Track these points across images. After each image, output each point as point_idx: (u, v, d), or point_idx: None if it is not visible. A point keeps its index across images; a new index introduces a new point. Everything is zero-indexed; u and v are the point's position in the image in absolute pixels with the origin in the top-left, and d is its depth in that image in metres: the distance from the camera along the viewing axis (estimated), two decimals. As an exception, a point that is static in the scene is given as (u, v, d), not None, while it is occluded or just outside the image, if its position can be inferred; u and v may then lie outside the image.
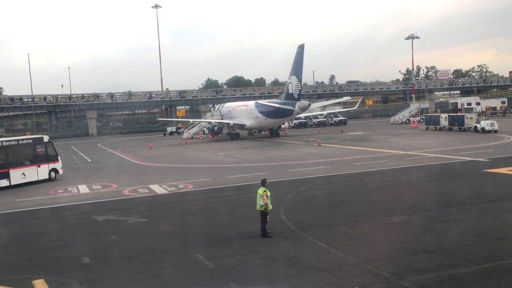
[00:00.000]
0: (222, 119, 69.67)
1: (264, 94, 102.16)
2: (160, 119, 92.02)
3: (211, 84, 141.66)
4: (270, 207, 16.90)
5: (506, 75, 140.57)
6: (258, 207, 16.81)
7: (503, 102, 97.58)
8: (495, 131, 52.51)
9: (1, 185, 29.75)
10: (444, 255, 14.13)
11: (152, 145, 57.95)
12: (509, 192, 22.72)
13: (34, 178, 31.66)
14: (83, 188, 29.34)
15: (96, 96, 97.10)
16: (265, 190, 16.79)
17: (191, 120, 77.67)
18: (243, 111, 67.05)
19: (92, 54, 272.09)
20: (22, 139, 32.96)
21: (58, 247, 17.24)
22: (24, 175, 31.03)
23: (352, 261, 14.05)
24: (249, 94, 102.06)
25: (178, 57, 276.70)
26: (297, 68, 58.00)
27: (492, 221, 17.86)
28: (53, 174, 33.01)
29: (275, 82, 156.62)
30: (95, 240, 17.90)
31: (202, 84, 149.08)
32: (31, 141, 32.69)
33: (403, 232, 16.98)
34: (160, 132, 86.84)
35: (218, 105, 78.62)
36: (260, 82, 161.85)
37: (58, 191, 28.87)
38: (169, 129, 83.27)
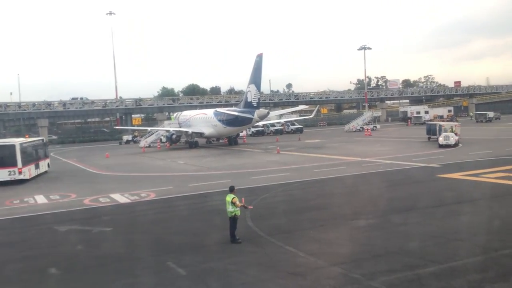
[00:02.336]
0: (180, 127, 69.29)
1: (221, 102, 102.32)
2: (116, 127, 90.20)
3: (167, 92, 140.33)
4: (239, 213, 17.12)
5: (451, 85, 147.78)
6: (228, 214, 16.97)
7: (449, 111, 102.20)
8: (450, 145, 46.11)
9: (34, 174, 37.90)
10: (408, 256, 14.79)
11: (108, 154, 56.78)
12: (462, 196, 23.93)
13: (44, 170, 41.47)
14: (40, 199, 28.43)
15: (48, 104, 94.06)
16: (234, 197, 17.00)
17: (148, 129, 76.69)
18: (201, 119, 66.96)
19: (42, 60, 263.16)
20: (39, 140, 43.93)
21: (21, 258, 16.67)
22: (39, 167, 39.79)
23: (322, 264, 14.45)
24: (206, 102, 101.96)
25: (133, 65, 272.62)
26: (256, 76, 58.63)
27: (449, 223, 18.79)
28: (49, 166, 43.39)
29: (231, 91, 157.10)
30: (60, 251, 17.47)
31: (158, 92, 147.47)
32: (42, 141, 43.59)
33: (367, 235, 17.59)
34: (114, 141, 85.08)
35: (176, 113, 78.13)
36: (216, 90, 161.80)
37: (14, 202, 27.86)
38: (125, 137, 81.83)
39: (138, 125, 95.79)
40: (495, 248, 15.04)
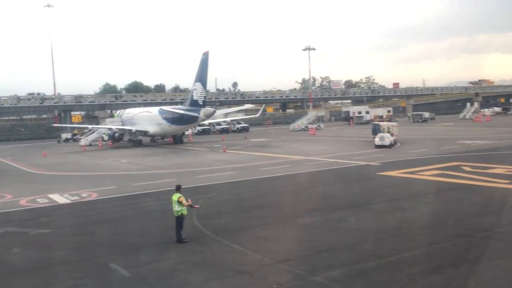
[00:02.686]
0: (124, 125, 67.57)
1: (166, 100, 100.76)
2: (54, 125, 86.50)
3: (109, 89, 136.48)
4: (185, 212, 16.95)
5: (390, 86, 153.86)
6: (174, 214, 16.76)
7: (388, 111, 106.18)
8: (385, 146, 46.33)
9: None
10: (351, 252, 15.26)
11: (46, 152, 54.41)
12: (401, 193, 24.94)
13: None
14: (-28, 200, 26.80)
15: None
16: (180, 196, 16.82)
17: (89, 126, 74.17)
18: (146, 118, 65.64)
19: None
20: None
21: (-50, 264, 15.65)
22: None
23: (268, 261, 14.59)
24: (151, 100, 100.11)
25: (73, 61, 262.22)
26: (202, 74, 58.27)
27: (389, 218, 19.56)
28: None
29: (176, 89, 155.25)
30: (-6, 254, 16.55)
31: (99, 88, 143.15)
32: None
33: (312, 232, 17.95)
34: (52, 139, 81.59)
35: (119, 111, 76.12)
36: (160, 88, 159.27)
37: None
38: (64, 135, 78.63)
39: (78, 123, 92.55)
40: (431, 242, 15.81)
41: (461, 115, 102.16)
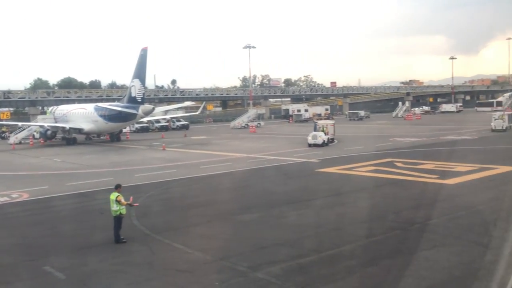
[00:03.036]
0: (57, 122, 64.69)
1: (102, 97, 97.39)
2: None
3: (40, 85, 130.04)
4: (124, 212, 16.53)
5: (328, 85, 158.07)
6: (113, 213, 16.29)
7: (326, 109, 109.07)
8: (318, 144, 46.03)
9: None
10: (291, 247, 15.54)
11: (-29, 151, 51.08)
12: (338, 188, 25.71)
13: None
14: None
15: None
16: (118, 195, 16.37)
17: (19, 124, 70.26)
18: (80, 115, 63.20)
19: None
20: None
21: None
22: None
23: (209, 259, 14.55)
24: (86, 97, 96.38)
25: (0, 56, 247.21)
26: (140, 71, 56.94)
27: (328, 214, 20.10)
28: None
29: (112, 85, 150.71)
30: None
31: (30, 84, 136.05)
32: None
33: (254, 229, 18.08)
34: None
35: (52, 107, 72.78)
36: (96, 84, 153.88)
37: None
38: (-10, 133, 74.08)
39: (6, 120, 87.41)
40: (367, 235, 16.42)
41: (394, 113, 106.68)
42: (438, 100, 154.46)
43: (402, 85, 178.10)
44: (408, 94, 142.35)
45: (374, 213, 19.59)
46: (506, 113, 61.67)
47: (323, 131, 48.77)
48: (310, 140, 47.14)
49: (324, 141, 46.98)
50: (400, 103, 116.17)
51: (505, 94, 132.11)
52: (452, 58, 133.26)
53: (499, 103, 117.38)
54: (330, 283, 12.35)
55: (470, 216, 18.72)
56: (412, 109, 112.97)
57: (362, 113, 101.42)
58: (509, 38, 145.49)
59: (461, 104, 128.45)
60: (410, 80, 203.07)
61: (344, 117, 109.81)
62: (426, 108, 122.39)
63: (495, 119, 57.10)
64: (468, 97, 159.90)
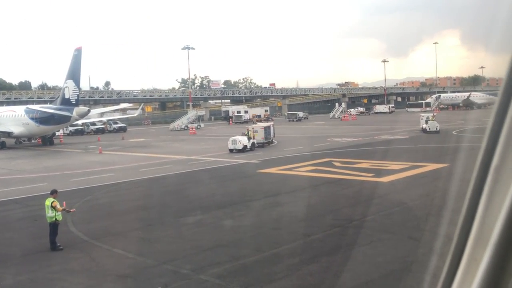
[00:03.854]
0: (-17, 126, 60.82)
1: (33, 98, 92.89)
2: None
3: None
4: (60, 218, 15.90)
5: (267, 86, 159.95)
6: (48, 220, 15.61)
7: (266, 111, 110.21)
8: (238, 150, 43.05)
9: None
10: (234, 248, 15.64)
11: None
12: (279, 188, 26.02)
13: None
14: None
15: None
16: (54, 201, 15.73)
17: None
18: (9, 117, 59.85)
19: None
20: None
21: None
22: None
23: (151, 263, 14.32)
24: (15, 99, 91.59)
25: None
26: (74, 71, 54.86)
27: (269, 214, 20.37)
28: None
29: (43, 86, 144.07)
30: None
31: None
32: None
33: (196, 231, 17.99)
34: None
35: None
36: (26, 85, 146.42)
37: None
38: None
39: None
40: (307, 233, 16.83)
41: (331, 114, 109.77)
42: (372, 101, 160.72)
43: (338, 86, 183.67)
44: (344, 95, 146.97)
45: (314, 211, 20.10)
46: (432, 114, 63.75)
47: (247, 135, 45.42)
48: (230, 145, 43.66)
49: (246, 146, 43.53)
50: (336, 104, 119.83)
51: (432, 96, 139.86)
52: (384, 61, 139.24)
53: (428, 104, 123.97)
54: (274, 281, 12.55)
55: (404, 212, 19.68)
56: (348, 110, 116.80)
57: (300, 114, 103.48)
58: (436, 43, 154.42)
59: (393, 105, 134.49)
60: (345, 82, 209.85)
61: (284, 118, 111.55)
62: (361, 109, 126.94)
63: (428, 121, 56.55)
64: (399, 99, 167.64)
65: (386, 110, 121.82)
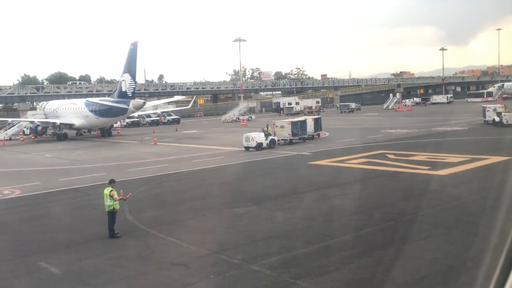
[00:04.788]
0: (47, 118, 64.26)
1: (92, 92, 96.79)
2: None
3: (29, 81, 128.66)
4: (117, 206, 16.54)
5: (318, 77, 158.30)
6: (106, 208, 16.30)
7: (317, 102, 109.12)
8: None
9: None
10: (285, 239, 15.66)
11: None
12: (330, 181, 25.85)
13: None
14: None
15: None
16: (111, 190, 16.38)
17: (9, 120, 69.65)
18: (71, 110, 62.82)
19: None
20: None
21: None
22: None
23: (204, 252, 14.64)
24: (76, 92, 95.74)
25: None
26: (131, 65, 56.67)
27: (320, 206, 20.26)
28: None
29: (101, 80, 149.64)
30: None
31: (18, 80, 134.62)
32: None
33: (247, 222, 18.18)
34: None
35: (42, 103, 72.27)
36: (86, 79, 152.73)
37: None
38: (-21, 129, 73.32)
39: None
40: (360, 226, 16.59)
41: (385, 105, 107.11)
42: (429, 91, 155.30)
43: (392, 76, 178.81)
44: (398, 85, 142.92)
45: (366, 204, 19.76)
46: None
47: (267, 131, 42.30)
48: (244, 142, 40.61)
49: (261, 144, 39.92)
50: (391, 94, 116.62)
51: (495, 85, 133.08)
52: (442, 49, 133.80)
53: (489, 94, 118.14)
54: (324, 274, 12.48)
55: (461, 206, 18.95)
56: (403, 101, 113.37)
57: (353, 105, 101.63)
58: (499, 29, 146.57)
59: (451, 95, 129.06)
60: (400, 72, 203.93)
61: (335, 109, 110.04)
62: (417, 99, 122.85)
63: (505, 113, 50.23)
64: (458, 88, 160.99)
65: (444, 100, 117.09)
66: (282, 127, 43.79)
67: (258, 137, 40.38)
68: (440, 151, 33.26)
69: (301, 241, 15.37)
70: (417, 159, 30.58)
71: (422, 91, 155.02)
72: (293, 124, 43.85)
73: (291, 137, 43.05)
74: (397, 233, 15.71)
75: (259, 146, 39.76)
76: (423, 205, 18.90)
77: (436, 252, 13.60)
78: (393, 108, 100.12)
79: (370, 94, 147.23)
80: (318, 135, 47.76)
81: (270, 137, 41.36)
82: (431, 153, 32.74)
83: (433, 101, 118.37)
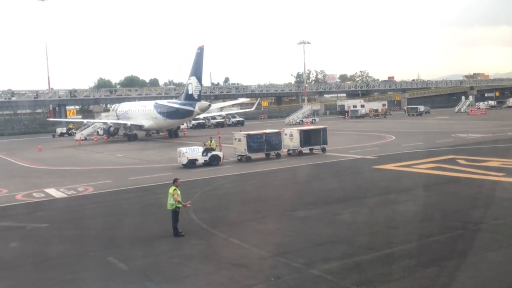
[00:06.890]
0: (119, 119, 67.45)
1: (161, 94, 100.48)
2: (50, 119, 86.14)
3: (103, 84, 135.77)
4: (180, 205, 16.96)
5: (385, 79, 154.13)
6: (169, 207, 16.81)
7: (383, 105, 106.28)
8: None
9: None
10: (347, 244, 15.35)
11: (41, 147, 54.15)
12: (396, 186, 25.02)
13: None
14: (-33, 195, 26.71)
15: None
16: (175, 189, 16.83)
17: (85, 121, 73.88)
18: (141, 112, 65.56)
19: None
20: None
21: None
22: None
23: (265, 254, 14.67)
24: (145, 94, 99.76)
25: (67, 56, 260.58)
26: (197, 69, 58.14)
27: (384, 211, 19.66)
28: None
29: (170, 83, 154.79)
30: (-9, 249, 16.54)
31: (94, 83, 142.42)
32: None
33: (308, 225, 18.02)
34: (47, 134, 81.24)
35: (114, 105, 75.99)
36: (155, 82, 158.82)
37: None
38: (59, 130, 78.40)
39: (73, 117, 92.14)
40: (426, 234, 15.91)
41: (456, 108, 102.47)
42: (506, 94, 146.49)
43: (465, 78, 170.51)
44: (471, 88, 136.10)
45: (434, 211, 18.97)
46: None
47: (209, 145, 35.37)
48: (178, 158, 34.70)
49: (195, 160, 33.63)
50: (463, 97, 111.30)
51: None
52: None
53: None
54: (388, 282, 12.08)
55: (540, 216, 17.67)
56: (476, 104, 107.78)
57: (421, 108, 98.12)
58: None
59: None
60: (474, 74, 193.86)
61: (403, 112, 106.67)
62: (491, 102, 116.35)
63: None
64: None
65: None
66: (239, 140, 37.23)
67: (190, 153, 33.87)
68: (516, 157, 31.23)
69: (364, 247, 15.02)
70: (490, 165, 28.90)
71: (497, 93, 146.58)
72: (250, 137, 36.68)
73: (246, 153, 36.14)
74: (467, 243, 14.90)
75: (191, 164, 33.32)
76: (496, 214, 17.85)
77: (510, 265, 12.76)
78: (465, 112, 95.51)
79: (440, 96, 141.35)
80: (324, 149, 39.90)
81: (211, 153, 34.57)
82: (507, 159, 30.84)
83: (510, 104, 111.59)
